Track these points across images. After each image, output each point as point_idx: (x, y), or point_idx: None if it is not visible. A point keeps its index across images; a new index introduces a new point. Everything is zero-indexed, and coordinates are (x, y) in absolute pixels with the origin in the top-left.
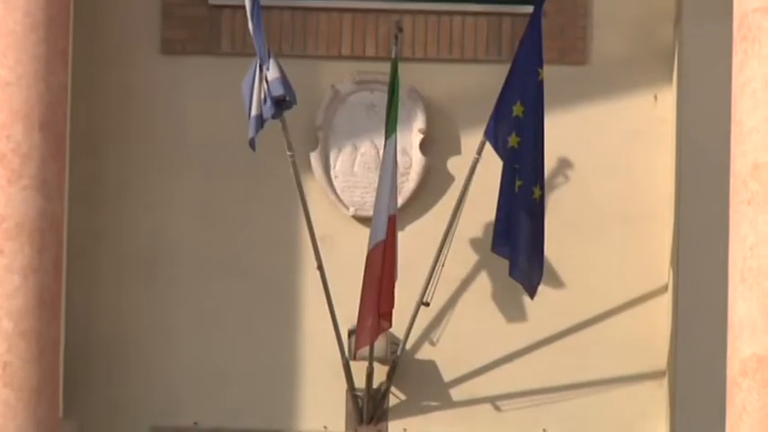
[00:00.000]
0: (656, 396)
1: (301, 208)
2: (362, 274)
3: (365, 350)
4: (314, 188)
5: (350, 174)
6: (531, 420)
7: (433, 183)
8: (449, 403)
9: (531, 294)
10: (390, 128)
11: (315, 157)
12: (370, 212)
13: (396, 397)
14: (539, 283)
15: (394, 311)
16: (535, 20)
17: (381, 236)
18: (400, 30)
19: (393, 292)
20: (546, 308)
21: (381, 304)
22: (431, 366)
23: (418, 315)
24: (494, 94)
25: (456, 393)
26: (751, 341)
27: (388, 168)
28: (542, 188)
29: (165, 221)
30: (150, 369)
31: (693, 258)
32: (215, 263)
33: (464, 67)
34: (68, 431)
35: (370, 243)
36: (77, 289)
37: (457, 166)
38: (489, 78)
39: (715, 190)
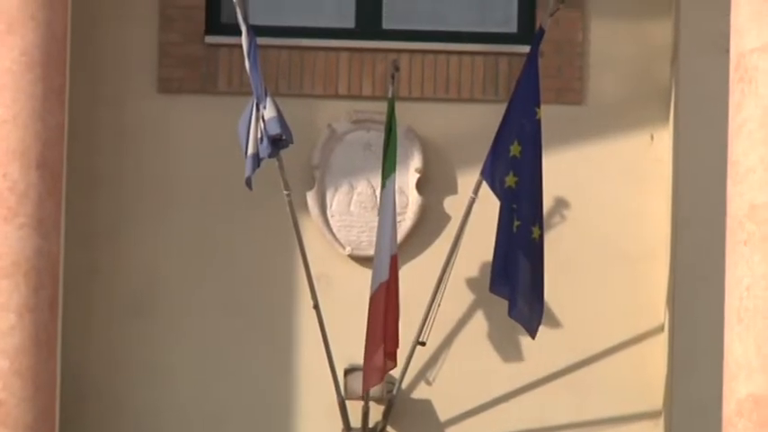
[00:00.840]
0: None
1: (297, 247)
2: (359, 312)
3: (363, 388)
4: (310, 227)
5: (346, 213)
6: None
7: (429, 222)
8: None
9: (533, 334)
10: (389, 167)
11: (311, 197)
12: (366, 252)
13: None
14: (539, 324)
15: None
16: (532, 59)
17: (384, 276)
18: (397, 69)
19: (397, 332)
20: (542, 347)
21: (387, 344)
22: (427, 406)
23: (414, 354)
24: (491, 134)
25: (451, 431)
26: (747, 381)
27: (389, 208)
28: (541, 228)
29: (161, 259)
30: (144, 409)
31: (690, 298)
32: (210, 301)
33: (461, 106)
34: None
35: (373, 283)
36: (73, 327)
37: (454, 205)
38: (486, 118)
39: (711, 230)
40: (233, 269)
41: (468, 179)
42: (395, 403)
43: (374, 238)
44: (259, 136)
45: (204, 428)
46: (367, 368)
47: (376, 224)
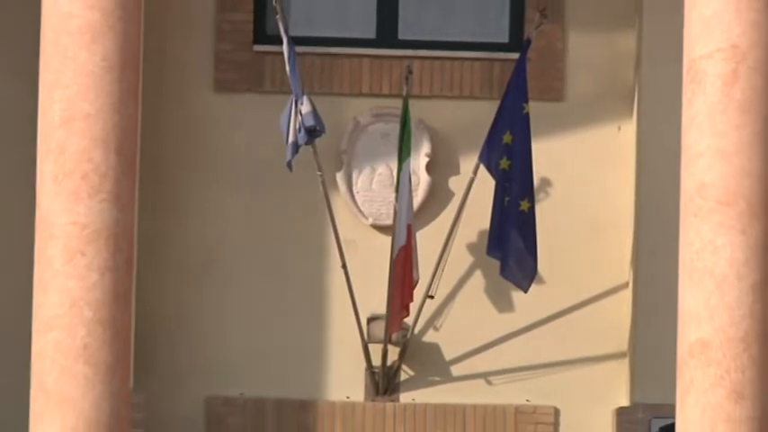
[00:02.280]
0: (619, 372)
1: (329, 218)
2: (379, 271)
3: (386, 334)
4: (339, 202)
5: (369, 190)
6: (516, 391)
7: (437, 198)
8: (449, 378)
9: (525, 289)
10: (404, 153)
11: (340, 177)
12: (385, 222)
13: (406, 373)
14: (532, 280)
15: None
16: (521, 64)
17: (403, 241)
18: (410, 72)
19: (412, 288)
20: (529, 299)
21: (404, 298)
22: (435, 348)
23: (424, 306)
24: (487, 125)
25: (455, 370)
26: (697, 329)
27: (405, 186)
28: (531, 201)
29: (218, 230)
30: (204, 350)
31: (650, 259)
32: (258, 263)
33: (462, 102)
34: (137, 401)
35: (393, 248)
36: (145, 284)
37: (457, 184)
38: (483, 112)
39: (668, 204)
40: (277, 236)
41: (468, 162)
42: (408, 346)
43: (392, 211)
44: (297, 127)
45: (253, 367)
46: (390, 318)
47: (393, 199)
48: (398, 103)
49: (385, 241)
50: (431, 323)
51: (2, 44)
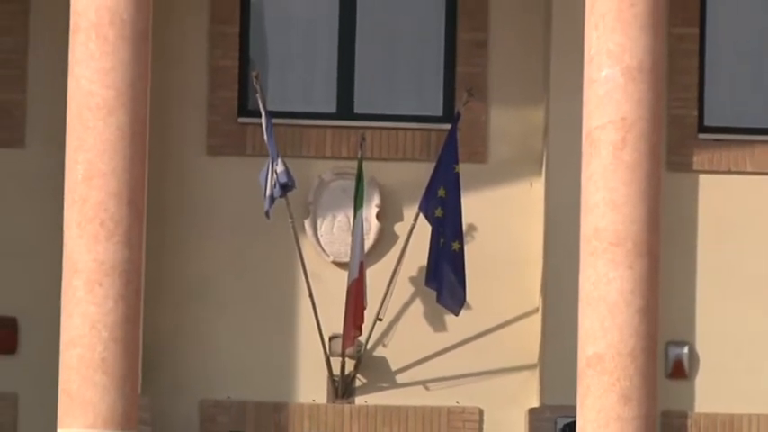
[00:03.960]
0: (531, 380)
1: (298, 256)
2: (339, 299)
3: (342, 349)
4: (306, 243)
5: (330, 234)
6: (448, 395)
7: (384, 240)
8: (395, 384)
9: (456, 313)
10: (359, 204)
11: (307, 223)
12: (343, 259)
13: (360, 380)
14: (462, 305)
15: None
16: (452, 133)
17: (355, 275)
18: (364, 139)
19: (363, 313)
20: (459, 321)
21: (356, 320)
22: (383, 360)
23: (375, 327)
24: (425, 182)
25: (400, 378)
26: (593, 345)
27: (359, 231)
28: (461, 242)
29: (209, 265)
30: (198, 362)
31: (555, 290)
32: (241, 292)
33: (405, 164)
34: (144, 403)
35: (348, 280)
36: (151, 309)
37: (401, 229)
38: (422, 172)
39: (570, 245)
40: (256, 270)
41: (410, 212)
42: (362, 359)
43: (349, 250)
44: (273, 183)
45: (237, 377)
46: (346, 336)
47: (349, 241)
48: (354, 164)
49: (343, 275)
50: (380, 340)
51: (34, 117)
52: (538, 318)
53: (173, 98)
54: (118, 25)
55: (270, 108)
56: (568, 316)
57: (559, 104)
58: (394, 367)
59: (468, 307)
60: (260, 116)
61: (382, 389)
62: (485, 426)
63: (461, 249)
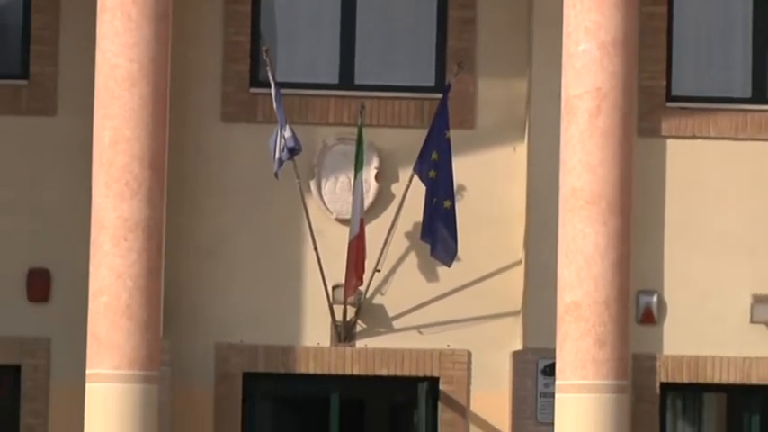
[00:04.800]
0: (515, 325)
1: (304, 213)
2: (341, 252)
3: (344, 297)
4: (311, 202)
5: (333, 193)
6: (440, 339)
7: (382, 199)
8: (392, 329)
9: (448, 265)
10: (359, 167)
11: (312, 184)
12: (345, 216)
13: (360, 326)
14: (454, 257)
15: None
16: (443, 102)
17: (356, 231)
18: (363, 108)
19: (363, 265)
20: (450, 272)
21: (357, 271)
22: (381, 308)
23: (374, 277)
24: (419, 147)
25: (396, 323)
26: (571, 294)
27: (359, 191)
28: (452, 201)
29: (223, 222)
30: (214, 309)
31: (537, 244)
32: (253, 246)
33: (401, 130)
34: (165, 346)
35: (350, 235)
36: (171, 262)
37: (397, 189)
38: (416, 137)
39: (550, 204)
40: (266, 226)
41: (405, 173)
42: (362, 306)
43: (350, 208)
44: (282, 147)
45: (249, 321)
46: (347, 285)
47: (350, 200)
48: (355, 130)
49: (345, 230)
50: (378, 289)
51: (65, 88)
52: (521, 269)
53: (191, 71)
54: (140, 5)
55: (278, 79)
56: (548, 268)
57: (541, 76)
58: (391, 314)
59: (459, 259)
60: (269, 87)
61: (380, 333)
62: (472, 366)
63: (452, 207)
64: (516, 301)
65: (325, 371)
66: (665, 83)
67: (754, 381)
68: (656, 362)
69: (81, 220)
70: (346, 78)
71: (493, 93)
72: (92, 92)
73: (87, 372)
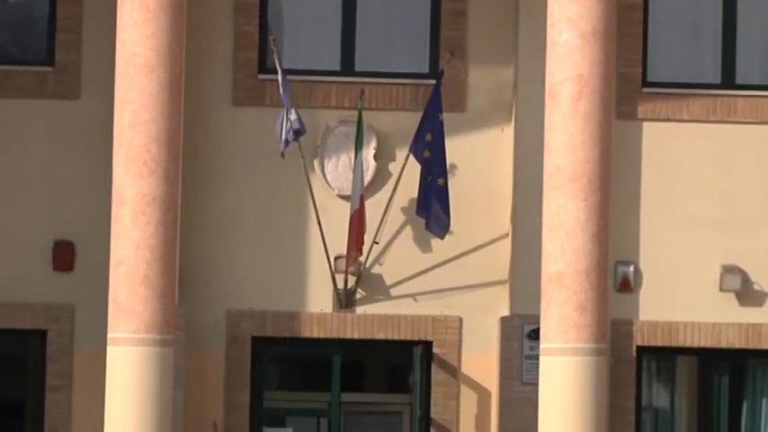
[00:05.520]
0: (503, 293)
1: (308, 190)
2: (342, 226)
3: (345, 267)
4: (315, 180)
5: (335, 171)
6: (434, 306)
7: (381, 177)
8: (389, 296)
9: (442, 237)
10: (359, 147)
11: (316, 162)
12: (346, 193)
13: (360, 293)
14: (446, 232)
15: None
16: (437, 87)
17: (356, 206)
18: (363, 93)
19: (363, 238)
20: (442, 244)
21: (357, 243)
22: (379, 277)
23: (372, 249)
24: (414, 128)
25: (393, 291)
26: (554, 264)
27: (359, 169)
28: (445, 179)
29: (234, 198)
30: (226, 278)
31: (523, 218)
32: (262, 220)
33: (398, 113)
34: (180, 313)
35: (350, 210)
36: (187, 235)
37: (394, 168)
38: (412, 119)
39: (535, 181)
40: (273, 202)
41: (402, 153)
42: (362, 275)
43: (351, 185)
44: (288, 129)
45: (257, 288)
46: (348, 256)
47: (351, 178)
48: (355, 113)
49: (346, 206)
50: (377, 260)
51: (88, 74)
52: (508, 241)
53: (203, 58)
54: None
55: (285, 66)
56: (534, 240)
57: (526, 63)
58: (388, 282)
59: (451, 232)
60: (276, 73)
61: (378, 300)
62: (464, 331)
63: (446, 184)
64: (504, 271)
65: (328, 335)
66: (641, 70)
67: (723, 345)
68: (632, 327)
69: (102, 196)
70: (347, 65)
71: (482, 79)
72: (112, 78)
73: (108, 336)
